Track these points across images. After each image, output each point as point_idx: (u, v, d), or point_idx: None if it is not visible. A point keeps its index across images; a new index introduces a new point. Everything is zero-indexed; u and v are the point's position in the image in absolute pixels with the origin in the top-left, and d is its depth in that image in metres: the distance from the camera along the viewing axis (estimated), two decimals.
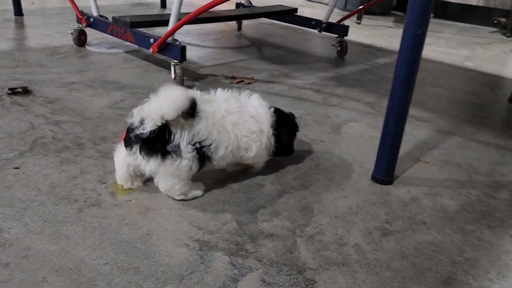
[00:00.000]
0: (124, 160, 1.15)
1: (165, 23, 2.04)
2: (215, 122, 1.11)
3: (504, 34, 3.87)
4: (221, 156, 1.13)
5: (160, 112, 1.01)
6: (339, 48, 2.75)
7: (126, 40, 2.20)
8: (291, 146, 1.35)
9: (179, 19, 1.90)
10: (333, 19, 2.76)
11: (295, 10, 2.98)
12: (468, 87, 2.34)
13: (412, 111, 1.90)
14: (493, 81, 2.48)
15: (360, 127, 1.71)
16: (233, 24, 3.39)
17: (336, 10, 4.67)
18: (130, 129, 1.08)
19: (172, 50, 1.94)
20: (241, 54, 2.65)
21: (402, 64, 1.18)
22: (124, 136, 1.12)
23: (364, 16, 4.13)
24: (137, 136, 1.05)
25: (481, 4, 4.23)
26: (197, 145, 1.08)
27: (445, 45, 3.34)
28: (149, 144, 1.05)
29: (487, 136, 1.72)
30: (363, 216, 1.16)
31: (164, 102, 1.02)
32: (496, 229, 1.14)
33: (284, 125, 1.30)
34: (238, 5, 3.28)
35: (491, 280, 0.97)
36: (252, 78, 2.20)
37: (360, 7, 3.18)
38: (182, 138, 1.05)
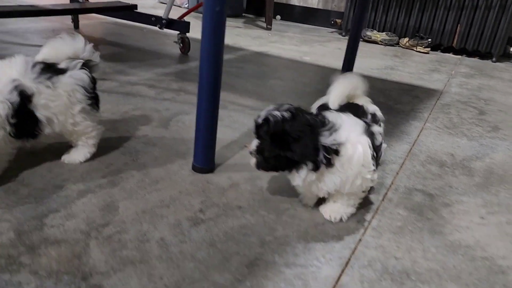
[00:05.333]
0: None
1: None
2: None
3: (340, 33, 4.23)
4: None
5: None
6: (181, 44, 2.67)
7: None
8: None
9: None
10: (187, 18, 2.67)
11: (134, 6, 2.82)
12: (302, 78, 2.44)
13: (247, 101, 1.90)
14: (325, 73, 2.64)
15: (191, 119, 1.63)
16: (69, 22, 3.08)
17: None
18: None
19: None
20: None
21: (207, 46, 1.12)
22: None
23: None
24: None
25: (320, 7, 4.58)
26: None
27: (288, 43, 3.50)
28: None
29: None
30: (175, 208, 1.06)
31: None
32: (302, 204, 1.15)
33: None
34: (72, 0, 2.99)
35: (297, 254, 0.94)
36: None
37: (198, 3, 3.16)
38: None
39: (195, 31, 2.64)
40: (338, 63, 2.87)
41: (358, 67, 2.53)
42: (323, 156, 0.96)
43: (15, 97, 1.01)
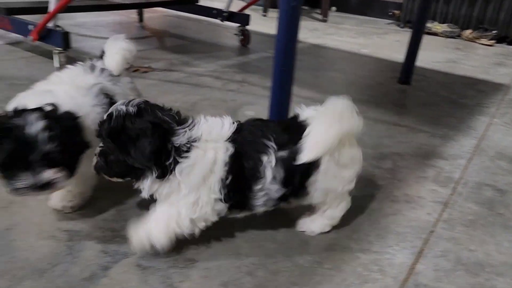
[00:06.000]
0: None
1: (46, 9, 1.87)
2: None
3: (398, 25, 4.15)
4: None
5: None
6: (241, 37, 2.75)
7: (4, 29, 1.99)
8: None
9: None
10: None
11: None
12: (361, 71, 2.45)
13: (308, 93, 1.95)
14: (385, 65, 2.62)
15: (256, 109, 1.70)
16: (134, 16, 3.24)
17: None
18: None
19: (53, 37, 1.78)
20: (140, 45, 2.53)
21: (281, 38, 1.18)
22: None
23: (270, 9, 4.19)
24: None
25: None
26: None
27: (345, 35, 3.49)
28: None
29: (376, 113, 1.80)
30: None
31: None
32: (378, 195, 1.18)
33: None
34: None
35: (371, 242, 0.99)
36: (149, 67, 2.11)
37: None
38: None
39: (254, 24, 2.71)
40: (398, 56, 2.84)
41: (420, 60, 2.49)
42: (173, 160, 0.81)
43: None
